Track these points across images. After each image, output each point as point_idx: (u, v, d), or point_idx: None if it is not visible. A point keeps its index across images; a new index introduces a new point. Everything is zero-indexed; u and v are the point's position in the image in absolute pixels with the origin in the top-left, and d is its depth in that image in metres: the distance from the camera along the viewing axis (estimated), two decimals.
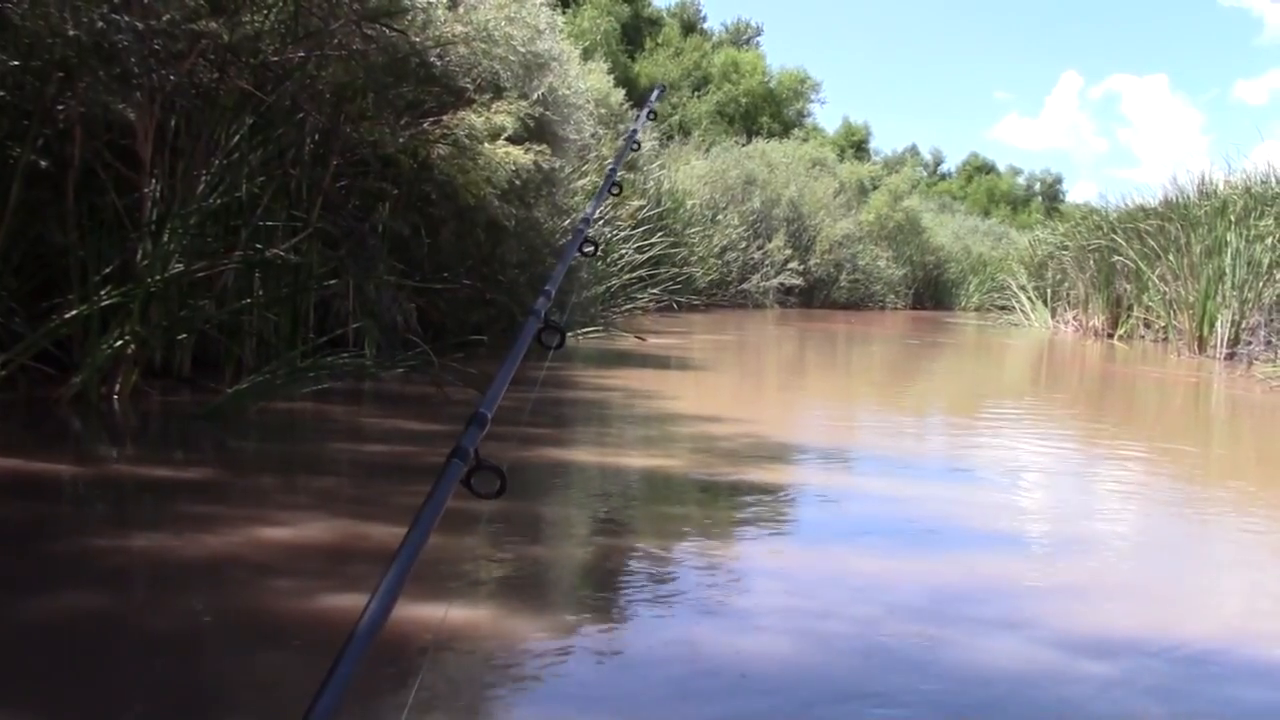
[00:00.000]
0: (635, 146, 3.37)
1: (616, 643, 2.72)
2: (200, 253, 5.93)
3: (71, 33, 5.16)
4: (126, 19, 5.31)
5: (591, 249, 2.39)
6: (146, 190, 5.75)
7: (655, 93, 4.49)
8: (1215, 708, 2.47)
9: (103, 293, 5.42)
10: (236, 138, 6.07)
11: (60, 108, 5.41)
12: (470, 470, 1.22)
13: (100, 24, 5.24)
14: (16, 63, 5.23)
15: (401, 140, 7.18)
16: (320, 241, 6.88)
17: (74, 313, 5.33)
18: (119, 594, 2.92)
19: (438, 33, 7.29)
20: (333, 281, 6.99)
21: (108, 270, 5.56)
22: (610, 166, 2.98)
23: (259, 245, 6.30)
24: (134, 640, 2.58)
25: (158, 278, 5.56)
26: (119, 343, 5.40)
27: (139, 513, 3.88)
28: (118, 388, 5.48)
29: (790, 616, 2.95)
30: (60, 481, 4.16)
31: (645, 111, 3.78)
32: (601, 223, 13.22)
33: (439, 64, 7.39)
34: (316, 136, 7.02)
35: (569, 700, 2.36)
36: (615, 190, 2.86)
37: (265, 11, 6.48)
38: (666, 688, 2.42)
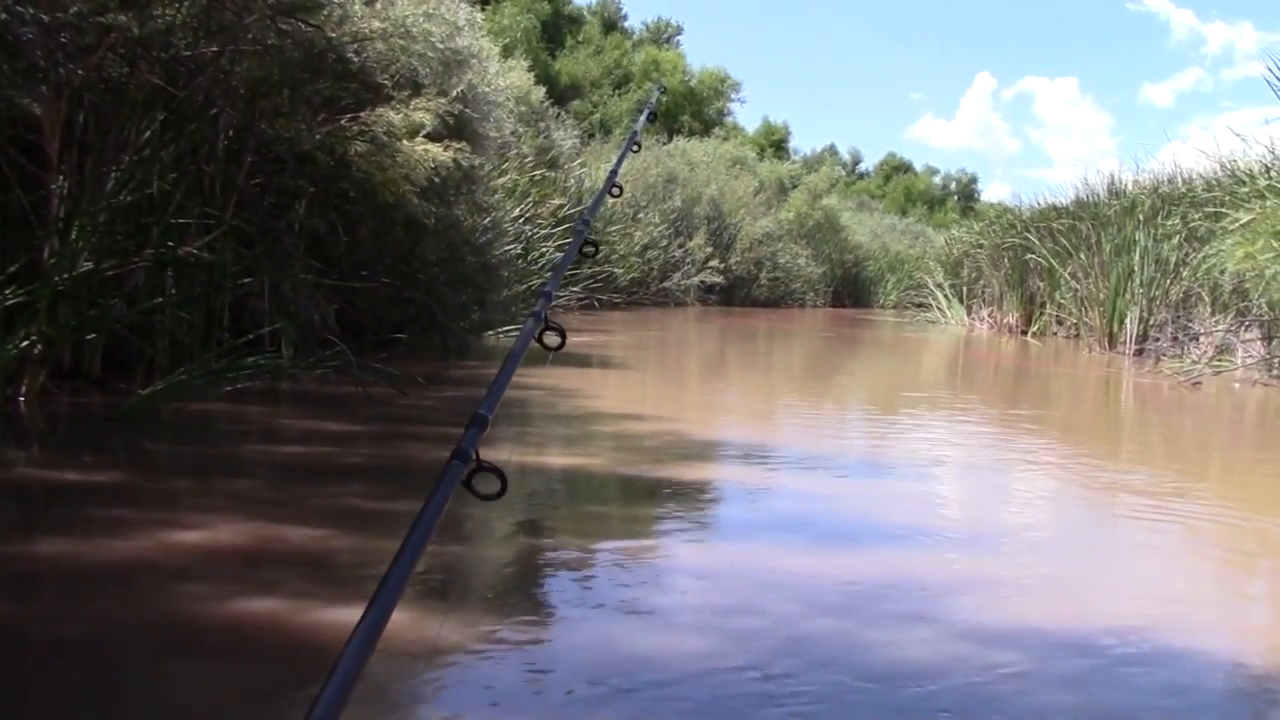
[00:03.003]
0: (635, 149, 3.39)
1: (537, 642, 2.71)
2: (110, 251, 5.79)
3: None
4: (31, 11, 5.17)
5: (593, 250, 2.38)
6: (54, 187, 5.61)
7: (655, 94, 4.55)
8: (1125, 696, 2.52)
9: (8, 291, 5.27)
10: (147, 133, 5.94)
11: None
12: (471, 472, 1.22)
13: (3, 16, 5.10)
14: None
15: (318, 137, 7.08)
16: (235, 239, 6.77)
17: None
18: (25, 602, 2.84)
19: (354, 28, 7.20)
20: (248, 280, 6.87)
21: (13, 269, 5.40)
22: (611, 169, 2.98)
23: (171, 243, 6.18)
24: (40, 649, 2.51)
25: (65, 276, 5.43)
26: (25, 343, 5.27)
27: (46, 518, 3.78)
28: (24, 389, 5.34)
29: (711, 614, 2.96)
30: None
31: (645, 114, 3.80)
32: (522, 220, 13.17)
33: (356, 60, 7.29)
34: (231, 133, 6.90)
35: (486, 701, 2.35)
36: (616, 192, 2.86)
37: (177, 5, 6.35)
38: (587, 687, 2.42)
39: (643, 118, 3.82)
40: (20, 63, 5.30)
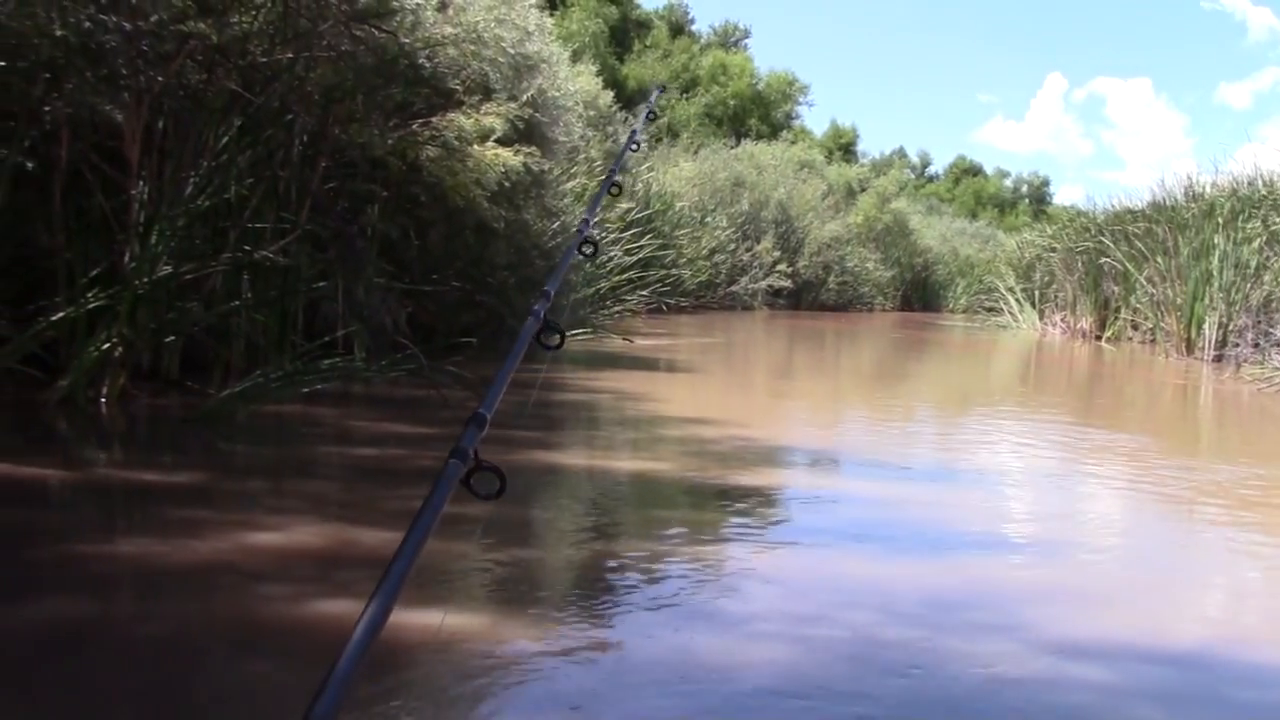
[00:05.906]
0: (635, 147, 3.39)
1: (608, 648, 2.70)
2: (188, 255, 5.88)
3: (59, 33, 5.12)
4: (114, 19, 5.28)
5: (591, 249, 2.40)
6: (134, 192, 5.71)
7: (655, 92, 4.56)
8: (1210, 711, 2.46)
9: (90, 295, 5.38)
10: (225, 139, 6.03)
11: (47, 109, 5.36)
12: (470, 471, 1.21)
13: (87, 24, 5.20)
14: (3, 63, 5.18)
15: (390, 142, 7.15)
16: (309, 243, 6.85)
17: (61, 315, 5.29)
18: (105, 601, 2.89)
19: (427, 34, 7.26)
20: (322, 284, 6.95)
21: (95, 272, 5.51)
22: (611, 167, 2.98)
23: (247, 247, 6.26)
24: (120, 648, 2.55)
25: (145, 280, 5.52)
26: (106, 345, 5.36)
27: (126, 518, 3.85)
28: (105, 390, 5.44)
29: (783, 621, 2.94)
30: (47, 486, 4.12)
31: (645, 112, 3.81)
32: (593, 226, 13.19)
33: (428, 65, 7.36)
34: (305, 138, 6.98)
35: (560, 706, 2.34)
36: (615, 190, 2.86)
37: (254, 12, 6.45)
38: (659, 693, 2.41)
39: (643, 118, 3.83)
40: (103, 70, 5.41)
